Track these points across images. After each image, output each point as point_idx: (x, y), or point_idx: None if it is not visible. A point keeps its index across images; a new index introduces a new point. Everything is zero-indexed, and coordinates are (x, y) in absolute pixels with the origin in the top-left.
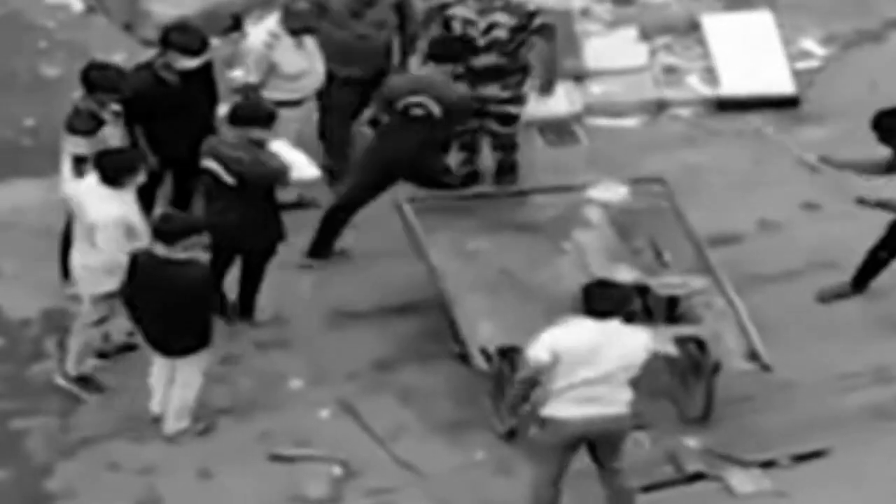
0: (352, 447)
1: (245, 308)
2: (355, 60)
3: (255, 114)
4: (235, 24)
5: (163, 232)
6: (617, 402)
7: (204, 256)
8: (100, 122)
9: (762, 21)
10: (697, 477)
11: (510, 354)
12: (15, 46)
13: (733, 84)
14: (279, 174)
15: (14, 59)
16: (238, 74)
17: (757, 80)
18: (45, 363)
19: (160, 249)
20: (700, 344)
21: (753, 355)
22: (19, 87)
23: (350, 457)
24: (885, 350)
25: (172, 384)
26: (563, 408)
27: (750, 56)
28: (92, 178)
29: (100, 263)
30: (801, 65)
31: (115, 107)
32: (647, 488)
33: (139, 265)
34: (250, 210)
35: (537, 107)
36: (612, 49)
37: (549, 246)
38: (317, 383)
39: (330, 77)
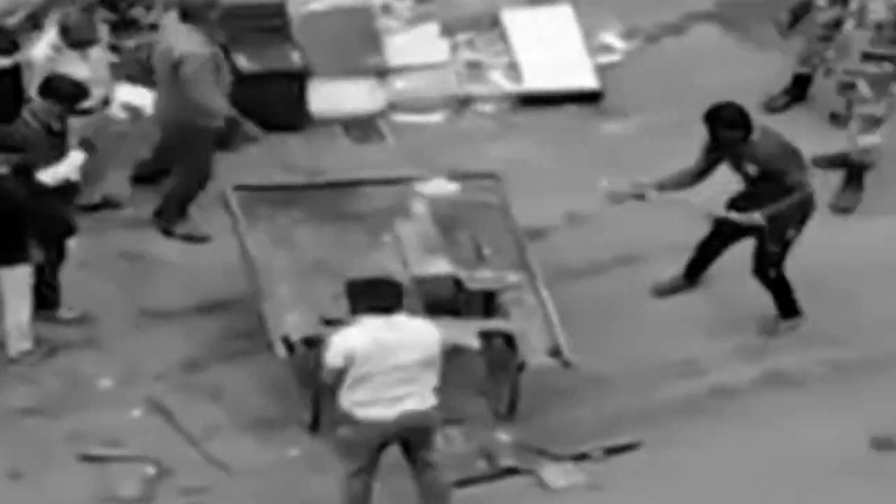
0: (164, 446)
1: (49, 300)
2: None
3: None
4: (34, 24)
5: None
6: (423, 397)
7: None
8: None
9: (563, 15)
10: (511, 472)
11: (316, 345)
12: None
13: (535, 79)
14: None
15: None
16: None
17: (559, 74)
18: None
19: None
20: (509, 339)
21: (556, 351)
22: None
23: (162, 456)
24: (695, 343)
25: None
26: (371, 409)
27: (551, 51)
28: None
29: None
30: (603, 59)
31: None
32: (461, 483)
33: None
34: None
35: (341, 103)
36: (413, 45)
37: (370, 237)
38: (127, 383)
39: None
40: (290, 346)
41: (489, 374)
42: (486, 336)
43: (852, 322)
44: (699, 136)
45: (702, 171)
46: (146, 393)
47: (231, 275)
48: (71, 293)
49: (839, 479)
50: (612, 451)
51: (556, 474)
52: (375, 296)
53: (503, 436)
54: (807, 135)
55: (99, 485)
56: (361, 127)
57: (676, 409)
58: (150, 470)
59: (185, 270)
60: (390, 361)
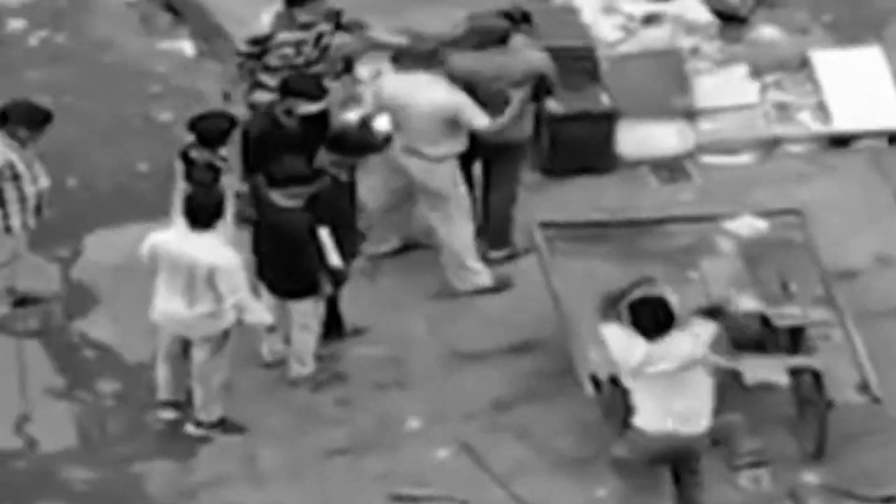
0: (471, 487)
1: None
2: None
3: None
4: (347, 67)
5: (275, 178)
6: (695, 418)
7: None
8: (217, 171)
9: (872, 56)
10: None
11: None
12: (126, 92)
13: (845, 119)
14: None
15: (126, 105)
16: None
17: (869, 115)
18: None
19: (273, 195)
20: (816, 376)
21: (864, 387)
22: (131, 132)
23: (470, 497)
24: None
25: (290, 328)
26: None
27: (861, 91)
28: (183, 226)
29: (208, 308)
30: None
31: (223, 152)
32: None
33: (260, 210)
34: None
35: (649, 145)
36: (722, 87)
37: (676, 274)
38: (435, 423)
39: None
40: (597, 384)
41: (798, 412)
42: (794, 373)
43: None
44: None
45: None
46: (454, 433)
47: (540, 314)
48: (382, 333)
49: None
50: None
51: None
52: (642, 317)
53: (810, 476)
54: None
55: None
56: (669, 168)
57: None
58: None
59: (494, 309)
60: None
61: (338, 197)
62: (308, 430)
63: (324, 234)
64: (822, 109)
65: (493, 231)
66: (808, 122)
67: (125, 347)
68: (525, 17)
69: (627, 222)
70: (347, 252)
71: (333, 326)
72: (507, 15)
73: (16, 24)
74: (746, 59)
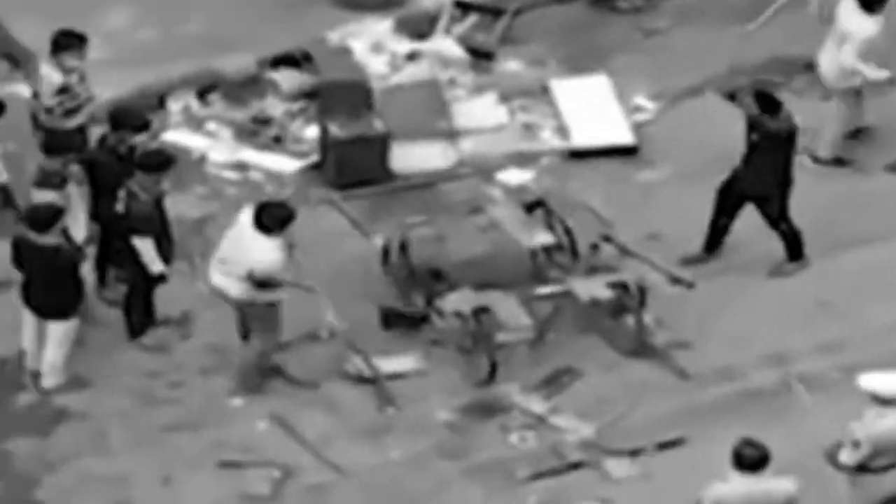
0: (288, 453)
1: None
2: None
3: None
4: (160, 103)
5: (34, 221)
6: None
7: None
8: (64, 179)
9: (600, 83)
10: (578, 465)
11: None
12: None
13: (581, 136)
14: None
15: None
16: None
17: (600, 132)
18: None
19: (33, 236)
20: (625, 287)
21: (676, 280)
22: None
23: (288, 461)
24: (731, 353)
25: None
26: None
27: (593, 112)
28: None
29: None
30: (637, 117)
31: (74, 167)
32: (536, 476)
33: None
34: None
35: (418, 162)
36: (476, 111)
37: (462, 222)
38: (254, 401)
39: None
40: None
41: (610, 320)
42: (612, 286)
43: None
44: (715, 180)
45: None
46: (270, 407)
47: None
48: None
49: None
50: (663, 445)
51: (615, 467)
52: None
53: (570, 436)
54: None
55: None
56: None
57: (717, 410)
58: (277, 473)
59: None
60: None
61: (151, 212)
62: (148, 410)
63: (145, 245)
64: (561, 128)
65: None
66: (550, 139)
67: None
68: (307, 57)
69: (411, 185)
70: (167, 257)
71: (147, 317)
72: (290, 57)
73: None
74: (495, 88)
